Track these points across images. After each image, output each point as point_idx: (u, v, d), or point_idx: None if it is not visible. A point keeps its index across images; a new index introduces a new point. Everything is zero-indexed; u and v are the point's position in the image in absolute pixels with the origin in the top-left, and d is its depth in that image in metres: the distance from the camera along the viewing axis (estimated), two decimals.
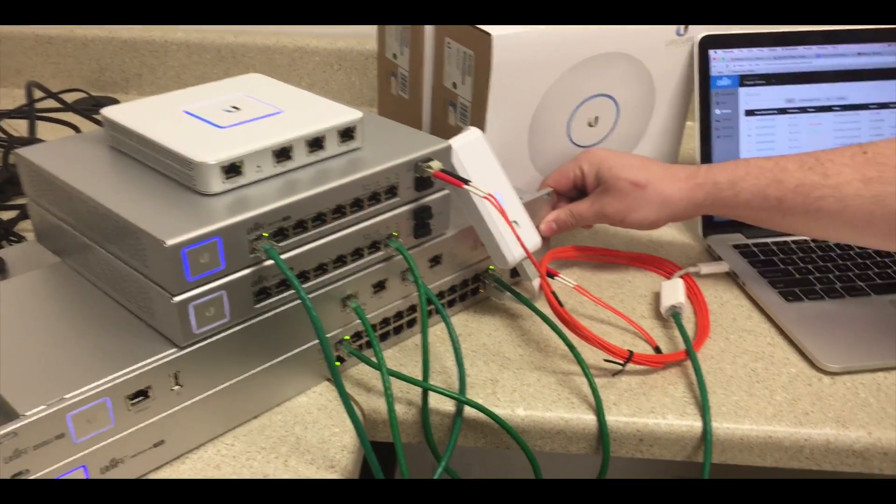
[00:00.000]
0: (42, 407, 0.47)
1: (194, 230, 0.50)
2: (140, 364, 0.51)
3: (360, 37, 1.15)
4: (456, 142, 0.66)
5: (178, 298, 0.51)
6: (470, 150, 0.67)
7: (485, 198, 0.62)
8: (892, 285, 0.76)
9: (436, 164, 0.62)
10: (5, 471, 0.46)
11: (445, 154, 0.64)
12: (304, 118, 0.60)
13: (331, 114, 0.61)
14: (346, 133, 0.61)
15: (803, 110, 0.84)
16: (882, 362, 0.67)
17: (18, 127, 1.02)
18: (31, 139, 0.90)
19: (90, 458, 0.51)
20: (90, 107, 1.04)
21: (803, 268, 0.78)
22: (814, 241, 0.83)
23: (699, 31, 0.83)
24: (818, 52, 0.83)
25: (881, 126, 0.85)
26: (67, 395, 0.48)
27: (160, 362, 0.52)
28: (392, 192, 0.61)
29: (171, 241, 0.49)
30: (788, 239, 0.83)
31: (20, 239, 0.77)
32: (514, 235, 0.66)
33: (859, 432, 0.61)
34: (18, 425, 0.46)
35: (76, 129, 1.02)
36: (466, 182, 0.62)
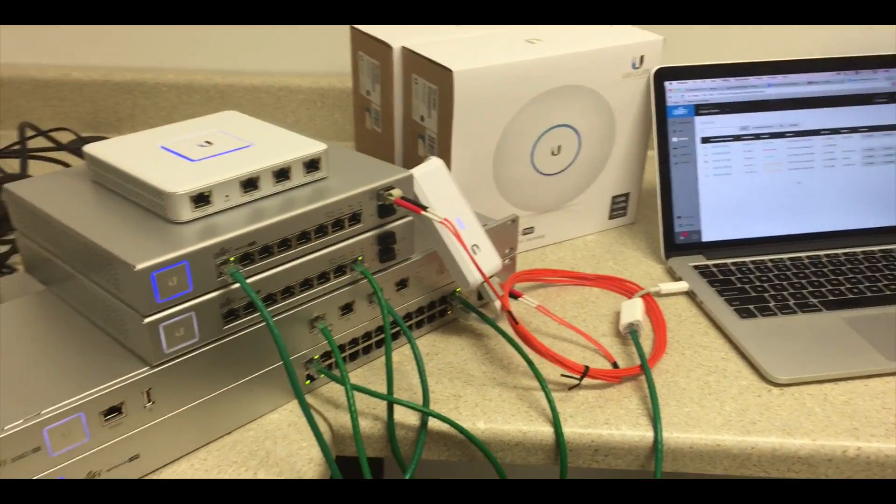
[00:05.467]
0: (19, 421, 0.51)
1: (163, 255, 0.54)
2: (113, 382, 0.55)
3: (342, 75, 1.20)
4: (417, 171, 0.70)
5: (148, 319, 0.54)
6: (431, 179, 0.71)
7: (441, 223, 0.66)
8: (845, 301, 0.79)
9: (396, 192, 0.66)
10: None
11: (407, 182, 0.68)
12: (271, 151, 0.64)
13: (297, 146, 0.65)
14: (312, 164, 0.65)
15: (757, 136, 0.88)
16: (829, 373, 0.70)
17: (15, 165, 1.07)
18: (22, 175, 0.94)
19: (67, 471, 0.54)
20: (81, 146, 1.08)
21: (759, 286, 0.82)
22: (771, 260, 0.86)
23: (654, 65, 0.87)
24: (769, 81, 0.88)
25: (833, 150, 0.89)
26: (43, 411, 0.52)
27: (132, 380, 0.55)
28: (356, 218, 0.65)
29: (140, 266, 0.53)
30: (747, 259, 0.86)
31: (12, 270, 0.81)
32: (471, 260, 0.69)
33: (804, 440, 0.64)
34: None
35: (68, 167, 1.07)
36: (424, 208, 0.66)
